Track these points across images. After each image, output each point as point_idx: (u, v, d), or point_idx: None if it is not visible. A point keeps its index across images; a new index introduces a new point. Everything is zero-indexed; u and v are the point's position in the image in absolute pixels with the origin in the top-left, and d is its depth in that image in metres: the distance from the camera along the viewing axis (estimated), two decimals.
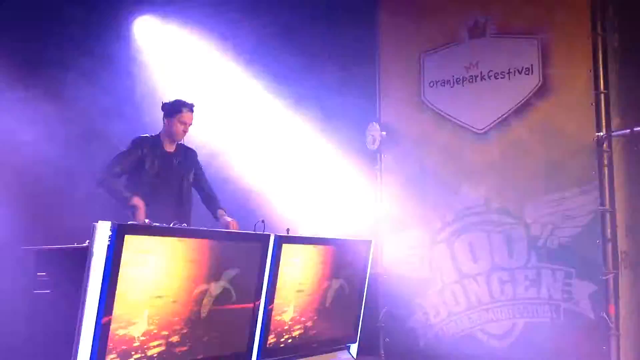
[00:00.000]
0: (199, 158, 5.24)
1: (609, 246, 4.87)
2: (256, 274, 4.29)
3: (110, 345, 3.39)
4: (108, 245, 3.35)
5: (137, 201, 4.56)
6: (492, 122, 5.40)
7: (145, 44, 7.06)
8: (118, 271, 3.39)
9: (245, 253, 4.24)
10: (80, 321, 3.32)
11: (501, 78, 5.39)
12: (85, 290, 3.33)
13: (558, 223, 5.05)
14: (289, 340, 4.67)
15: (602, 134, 4.94)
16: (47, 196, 5.63)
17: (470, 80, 5.54)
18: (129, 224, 3.68)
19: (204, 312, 3.89)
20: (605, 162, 4.94)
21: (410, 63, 5.84)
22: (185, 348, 3.81)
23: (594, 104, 4.97)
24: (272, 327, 4.46)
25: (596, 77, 4.98)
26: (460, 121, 5.56)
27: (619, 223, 4.93)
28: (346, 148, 6.21)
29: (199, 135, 5.46)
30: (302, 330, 4.78)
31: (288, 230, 4.67)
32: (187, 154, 5.12)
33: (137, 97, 6.54)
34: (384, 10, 6.03)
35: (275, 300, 4.44)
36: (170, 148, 4.99)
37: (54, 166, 5.51)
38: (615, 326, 4.78)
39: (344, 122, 6.12)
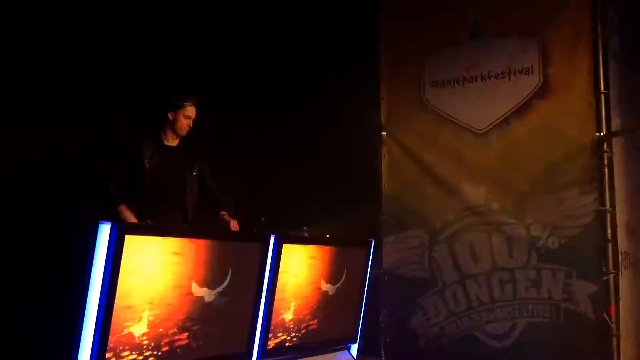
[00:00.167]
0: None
1: (609, 246, 4.86)
2: (256, 273, 4.30)
3: (110, 345, 3.39)
4: (108, 245, 3.35)
5: (123, 209, 4.48)
6: (493, 122, 5.40)
7: None
8: (118, 271, 3.39)
9: (245, 253, 4.24)
10: (81, 321, 3.33)
11: (501, 78, 5.39)
12: (86, 290, 3.33)
13: (558, 223, 5.05)
14: (289, 341, 4.66)
15: (602, 134, 4.94)
16: None
17: (471, 80, 5.54)
18: (129, 224, 3.68)
19: (204, 312, 3.89)
20: (606, 162, 4.93)
21: (411, 63, 5.85)
22: (185, 348, 3.81)
23: (594, 104, 4.98)
24: (272, 327, 4.45)
25: (596, 78, 4.98)
26: (461, 121, 5.56)
27: (619, 223, 4.93)
28: (346, 148, 6.21)
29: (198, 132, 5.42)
30: (302, 331, 4.78)
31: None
32: (191, 149, 5.04)
33: None
34: (385, 10, 6.03)
35: (275, 301, 4.44)
36: (173, 142, 4.92)
37: None
38: (615, 326, 4.78)
39: (344, 122, 6.12)
